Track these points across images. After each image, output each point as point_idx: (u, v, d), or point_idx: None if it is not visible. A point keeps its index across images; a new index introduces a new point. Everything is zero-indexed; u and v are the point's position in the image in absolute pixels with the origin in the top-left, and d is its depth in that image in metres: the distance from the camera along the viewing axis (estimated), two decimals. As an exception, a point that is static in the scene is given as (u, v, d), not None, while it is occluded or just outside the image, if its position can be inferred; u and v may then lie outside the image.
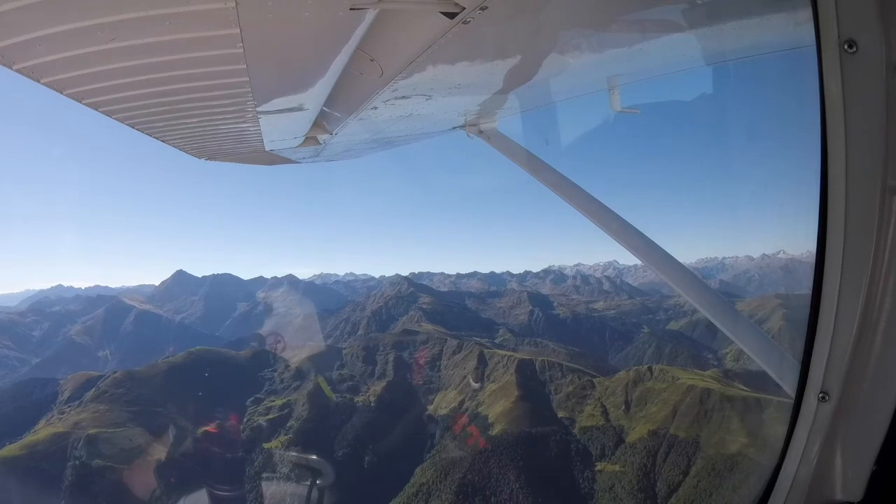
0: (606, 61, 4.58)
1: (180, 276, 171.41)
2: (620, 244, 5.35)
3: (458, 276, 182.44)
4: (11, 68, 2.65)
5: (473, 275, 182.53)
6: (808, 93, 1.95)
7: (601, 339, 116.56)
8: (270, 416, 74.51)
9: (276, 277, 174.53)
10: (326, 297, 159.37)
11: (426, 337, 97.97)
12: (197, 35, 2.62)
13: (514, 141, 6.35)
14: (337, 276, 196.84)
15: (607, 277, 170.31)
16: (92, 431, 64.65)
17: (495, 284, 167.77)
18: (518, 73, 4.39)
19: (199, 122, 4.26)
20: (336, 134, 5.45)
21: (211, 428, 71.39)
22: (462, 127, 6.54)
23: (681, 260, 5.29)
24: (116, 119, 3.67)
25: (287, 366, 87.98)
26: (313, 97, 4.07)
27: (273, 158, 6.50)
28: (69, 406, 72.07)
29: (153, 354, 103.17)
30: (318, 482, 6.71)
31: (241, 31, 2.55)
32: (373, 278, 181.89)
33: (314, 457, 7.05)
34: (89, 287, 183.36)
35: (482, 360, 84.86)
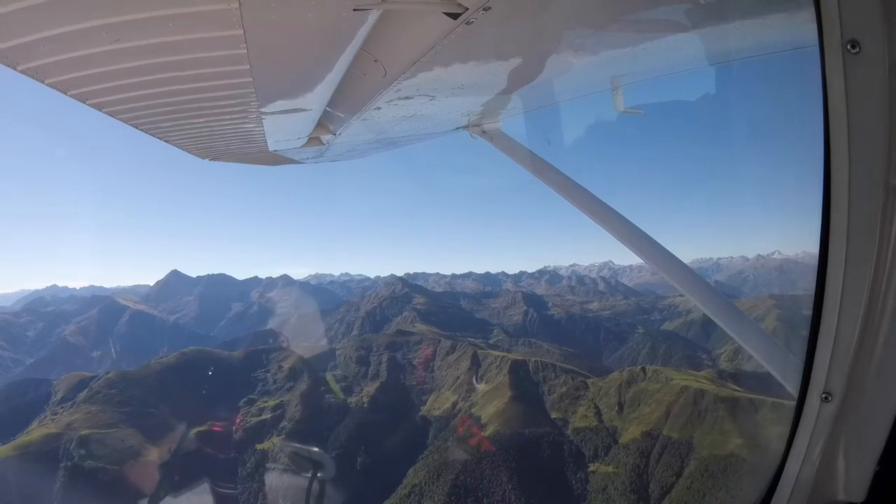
0: (610, 61, 4.58)
1: (175, 276, 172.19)
2: (624, 245, 5.35)
3: (454, 276, 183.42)
4: (16, 69, 2.66)
5: (469, 275, 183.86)
6: (811, 93, 1.95)
7: (595, 339, 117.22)
8: (263, 417, 74.77)
9: (270, 278, 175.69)
10: (321, 297, 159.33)
11: (420, 338, 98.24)
12: (200, 36, 2.63)
13: (518, 141, 6.36)
14: (332, 276, 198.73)
15: (602, 278, 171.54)
16: (84, 432, 64.99)
17: (490, 285, 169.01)
18: (521, 74, 4.39)
19: (203, 123, 4.26)
20: (339, 134, 5.46)
21: (204, 428, 71.38)
22: (465, 127, 6.55)
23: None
24: (120, 120, 3.68)
25: (280, 366, 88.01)
26: (317, 98, 4.08)
27: (277, 159, 6.51)
28: (62, 407, 72.34)
29: (147, 355, 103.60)
30: (318, 475, 6.69)
31: (244, 32, 2.56)
32: (368, 279, 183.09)
33: (316, 449, 7.02)
34: (84, 287, 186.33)
35: (476, 361, 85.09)
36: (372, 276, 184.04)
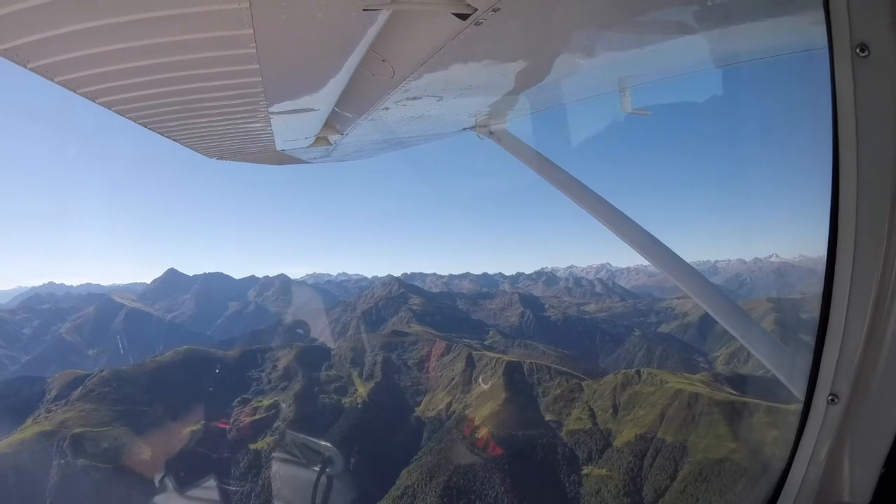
0: (618, 63, 4.58)
1: (172, 274, 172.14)
2: (631, 246, 5.33)
3: (451, 277, 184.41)
4: (26, 66, 2.69)
5: (466, 276, 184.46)
6: (820, 97, 1.95)
7: (592, 341, 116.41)
8: (257, 417, 74.45)
9: (267, 277, 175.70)
10: (318, 297, 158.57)
11: (415, 338, 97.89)
12: (210, 35, 2.65)
13: (525, 142, 6.36)
14: (330, 276, 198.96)
15: (599, 280, 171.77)
16: (77, 430, 64.98)
17: (487, 286, 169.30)
18: (529, 75, 4.40)
19: (212, 122, 4.29)
20: (347, 134, 5.48)
21: (197, 428, 71.43)
22: (472, 128, 6.55)
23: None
24: (129, 118, 3.70)
25: (275, 366, 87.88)
26: (325, 97, 4.09)
27: (284, 158, 6.53)
28: (56, 405, 72.14)
29: (143, 353, 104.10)
30: (327, 470, 6.70)
31: (254, 32, 2.57)
32: (365, 279, 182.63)
33: (326, 443, 7.03)
34: (81, 285, 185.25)
35: (471, 362, 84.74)
36: (369, 276, 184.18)
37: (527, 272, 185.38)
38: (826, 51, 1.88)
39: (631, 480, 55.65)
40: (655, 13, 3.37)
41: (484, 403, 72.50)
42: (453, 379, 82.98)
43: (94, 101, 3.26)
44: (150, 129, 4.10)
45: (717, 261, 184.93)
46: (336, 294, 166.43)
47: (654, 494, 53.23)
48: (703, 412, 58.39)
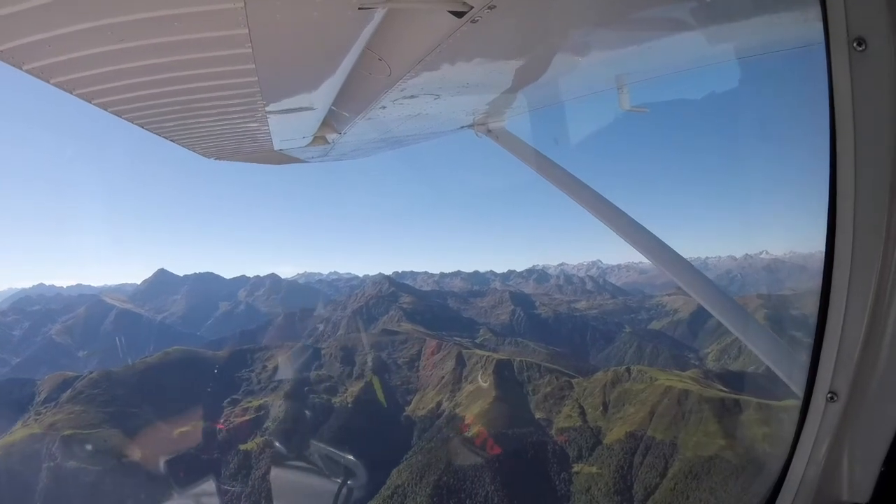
0: (615, 60, 4.58)
1: (162, 274, 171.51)
2: (629, 243, 5.33)
3: (442, 275, 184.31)
4: (21, 69, 2.68)
5: (457, 274, 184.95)
6: (817, 91, 1.94)
7: (582, 338, 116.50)
8: (247, 418, 74.16)
9: (258, 276, 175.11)
10: (309, 296, 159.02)
11: (405, 337, 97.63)
12: (206, 35, 2.64)
13: (523, 140, 6.35)
14: (321, 275, 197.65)
15: (590, 277, 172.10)
16: (67, 433, 64.66)
17: (478, 284, 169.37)
18: (527, 72, 4.39)
19: (209, 122, 4.28)
20: (344, 133, 5.48)
21: (187, 429, 71.16)
22: (470, 126, 6.54)
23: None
24: (126, 119, 3.70)
25: (265, 366, 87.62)
26: (322, 96, 4.09)
27: (282, 158, 6.53)
28: (45, 407, 71.82)
29: (134, 354, 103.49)
30: (349, 482, 6.69)
31: (249, 32, 2.57)
32: (356, 277, 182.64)
33: (350, 457, 7.02)
34: (71, 286, 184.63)
35: (461, 361, 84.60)
36: (360, 274, 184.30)
37: (518, 270, 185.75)
38: (823, 45, 1.87)
39: (621, 478, 55.68)
40: (652, 10, 3.36)
41: (474, 402, 72.51)
42: (443, 378, 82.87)
43: (90, 103, 3.25)
44: (147, 129, 4.09)
45: (707, 257, 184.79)
46: (327, 293, 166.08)
47: (645, 492, 53.25)
48: (692, 409, 58.37)
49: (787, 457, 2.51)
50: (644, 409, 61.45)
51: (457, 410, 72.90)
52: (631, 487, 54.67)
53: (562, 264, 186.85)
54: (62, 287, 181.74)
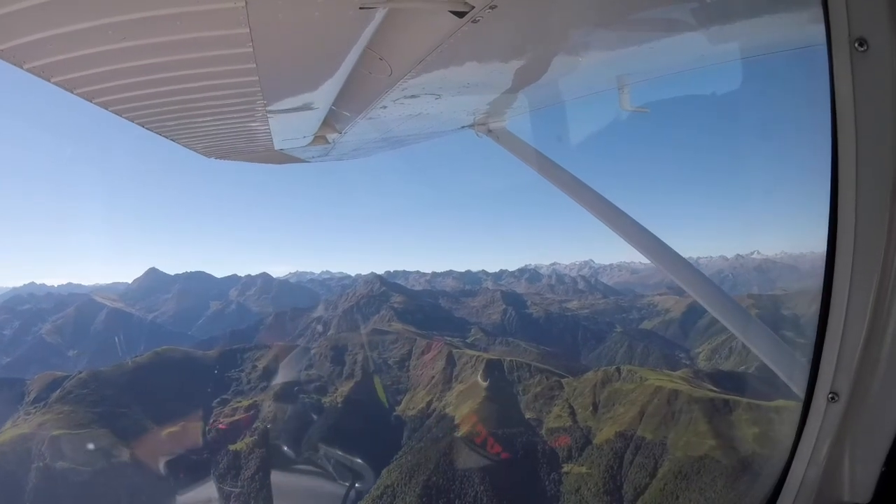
0: (616, 60, 4.57)
1: (153, 273, 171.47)
2: (630, 244, 5.32)
3: (434, 274, 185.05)
4: (22, 67, 2.67)
5: (449, 273, 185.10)
6: (819, 91, 1.94)
7: (574, 338, 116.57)
8: (236, 417, 73.76)
9: (249, 276, 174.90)
10: (300, 295, 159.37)
11: (396, 337, 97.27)
12: (207, 34, 2.64)
13: (524, 140, 6.34)
14: (313, 274, 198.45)
15: (582, 276, 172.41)
16: (56, 433, 64.48)
17: (470, 283, 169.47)
18: (527, 72, 4.39)
19: (210, 122, 4.28)
20: (345, 133, 5.47)
21: (176, 429, 70.92)
22: (471, 126, 6.53)
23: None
24: (127, 118, 3.69)
25: (255, 366, 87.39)
26: (323, 96, 4.08)
27: (282, 157, 6.52)
28: (35, 407, 71.50)
29: (124, 354, 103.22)
30: (356, 485, 6.66)
31: (250, 31, 2.57)
32: (348, 276, 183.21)
33: (359, 461, 6.98)
34: (62, 285, 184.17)
35: (451, 361, 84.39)
36: (352, 273, 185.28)
37: (510, 269, 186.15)
38: (824, 46, 1.87)
39: (611, 478, 55.56)
40: (652, 10, 3.35)
41: (464, 402, 72.28)
42: (434, 378, 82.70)
43: (91, 102, 3.24)
44: (148, 129, 4.09)
45: (699, 257, 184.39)
46: (319, 292, 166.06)
47: (634, 492, 53.12)
48: (682, 409, 58.23)
49: (788, 457, 2.51)
50: (634, 410, 61.33)
51: (447, 410, 72.75)
52: (621, 488, 54.58)
53: (554, 264, 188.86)
54: (53, 286, 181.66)
